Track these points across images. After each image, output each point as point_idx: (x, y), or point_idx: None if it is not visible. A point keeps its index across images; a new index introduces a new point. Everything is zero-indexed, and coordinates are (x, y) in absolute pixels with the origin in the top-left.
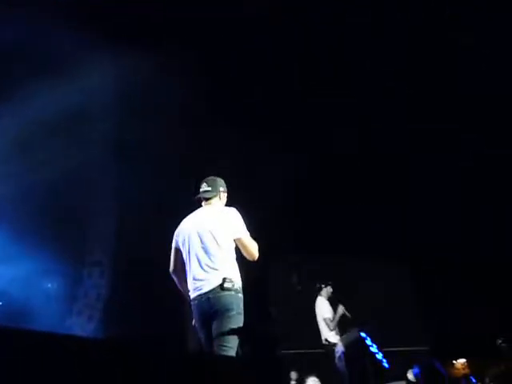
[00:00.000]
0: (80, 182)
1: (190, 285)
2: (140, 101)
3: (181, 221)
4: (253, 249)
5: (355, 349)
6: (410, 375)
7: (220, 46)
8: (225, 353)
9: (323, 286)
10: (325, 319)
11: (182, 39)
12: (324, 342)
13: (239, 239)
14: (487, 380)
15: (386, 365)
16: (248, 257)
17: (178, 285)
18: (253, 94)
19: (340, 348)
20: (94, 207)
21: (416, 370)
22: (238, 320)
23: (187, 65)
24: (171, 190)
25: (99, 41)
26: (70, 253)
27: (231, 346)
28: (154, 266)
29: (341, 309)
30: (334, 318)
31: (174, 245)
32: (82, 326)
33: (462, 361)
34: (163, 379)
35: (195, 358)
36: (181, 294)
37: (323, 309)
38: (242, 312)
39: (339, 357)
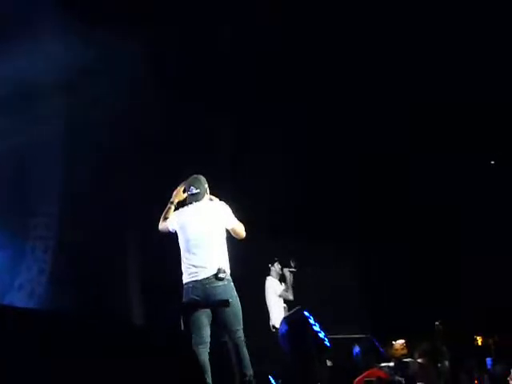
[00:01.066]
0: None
1: (186, 269)
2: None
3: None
4: (242, 231)
5: (298, 327)
6: None
7: None
8: (239, 335)
9: (270, 265)
10: (280, 295)
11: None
12: (272, 329)
13: (232, 228)
14: (416, 355)
15: (327, 343)
16: (238, 237)
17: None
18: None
19: (284, 326)
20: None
21: (356, 349)
22: (237, 304)
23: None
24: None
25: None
26: (14, 226)
27: (240, 329)
28: (98, 242)
29: (287, 273)
30: (288, 287)
31: (169, 224)
32: (23, 301)
33: (401, 341)
34: (98, 354)
35: (134, 332)
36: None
37: (275, 286)
38: (237, 296)
39: (282, 334)
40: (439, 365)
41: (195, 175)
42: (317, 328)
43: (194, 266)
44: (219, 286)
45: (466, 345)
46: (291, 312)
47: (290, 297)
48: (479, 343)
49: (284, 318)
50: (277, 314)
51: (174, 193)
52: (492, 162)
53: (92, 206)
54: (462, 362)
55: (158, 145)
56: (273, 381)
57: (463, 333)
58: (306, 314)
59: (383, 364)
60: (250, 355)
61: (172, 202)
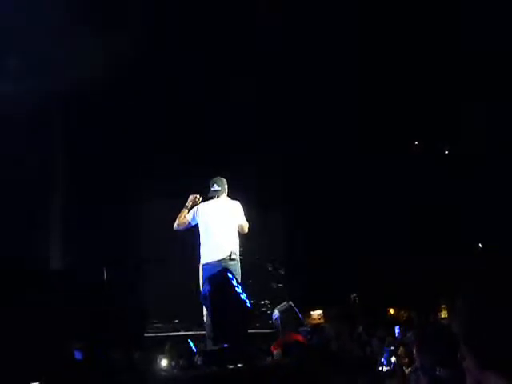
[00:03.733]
0: None
1: (205, 251)
2: None
3: None
4: (246, 228)
5: (221, 287)
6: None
7: None
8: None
9: None
10: None
11: None
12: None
13: (241, 224)
14: (332, 320)
15: (249, 305)
16: (242, 232)
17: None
18: None
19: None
20: None
21: (275, 314)
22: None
23: None
24: None
25: None
26: None
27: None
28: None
29: None
30: None
31: (191, 218)
32: None
33: (319, 312)
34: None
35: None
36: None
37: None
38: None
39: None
40: (353, 330)
41: (218, 176)
42: (239, 290)
43: (212, 249)
44: (232, 264)
45: (379, 315)
46: (215, 273)
47: None
48: (391, 314)
49: (207, 278)
50: None
51: (191, 198)
52: None
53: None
54: (374, 328)
55: None
56: (192, 344)
57: (376, 304)
58: (230, 275)
59: (301, 329)
60: None
61: (187, 206)
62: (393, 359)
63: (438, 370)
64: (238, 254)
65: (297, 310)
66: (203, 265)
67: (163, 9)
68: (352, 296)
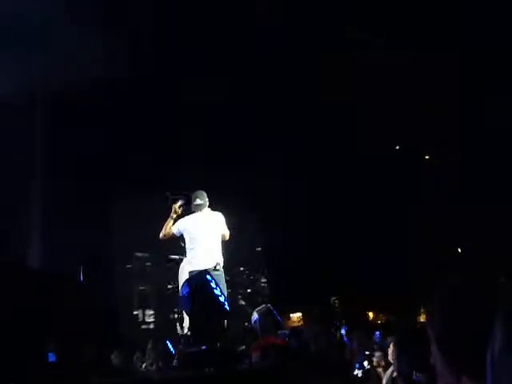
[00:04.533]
0: None
1: (190, 261)
2: None
3: None
4: (228, 236)
5: (199, 289)
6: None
7: None
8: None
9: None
10: None
11: None
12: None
13: (223, 234)
14: (311, 323)
15: (227, 307)
16: (224, 239)
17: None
18: None
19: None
20: None
21: (254, 317)
22: (225, 287)
23: None
24: None
25: None
26: None
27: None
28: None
29: None
30: None
31: (176, 230)
32: None
33: (298, 315)
34: None
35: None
36: None
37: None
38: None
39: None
40: (332, 333)
41: (200, 190)
42: (217, 292)
43: (198, 259)
44: (217, 274)
45: (358, 318)
46: (193, 275)
47: None
48: (370, 318)
49: (186, 280)
50: None
51: (173, 210)
52: None
53: None
54: (353, 331)
55: None
56: (170, 346)
57: (356, 308)
58: (209, 277)
59: (279, 332)
60: None
61: (172, 217)
62: (365, 363)
63: (414, 374)
64: (221, 264)
65: (276, 312)
66: (189, 272)
67: (163, 9)
68: (332, 299)
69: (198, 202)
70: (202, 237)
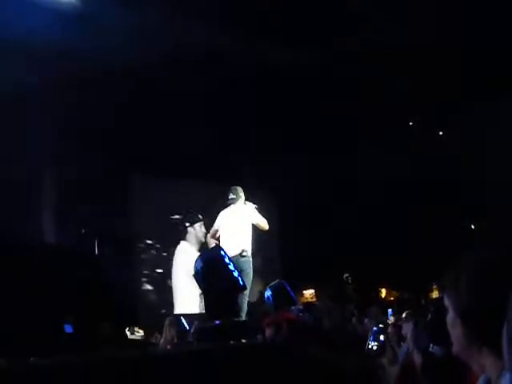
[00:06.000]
0: None
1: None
2: None
3: None
4: (265, 225)
5: (213, 265)
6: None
7: None
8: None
9: (188, 224)
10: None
11: None
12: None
13: (257, 223)
14: (324, 298)
15: (241, 283)
16: (263, 229)
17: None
18: None
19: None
20: None
21: (268, 292)
22: (251, 274)
23: None
24: None
25: None
26: None
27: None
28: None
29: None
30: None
31: (217, 225)
32: None
33: (311, 291)
34: None
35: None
36: None
37: (186, 258)
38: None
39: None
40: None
41: (234, 186)
42: (231, 267)
43: (226, 247)
44: (242, 261)
45: (371, 295)
46: (206, 250)
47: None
48: (383, 295)
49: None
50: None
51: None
52: None
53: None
54: (366, 308)
55: None
56: (184, 322)
57: (369, 284)
58: (222, 252)
59: (293, 307)
60: None
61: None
62: (381, 337)
63: (431, 346)
64: (249, 252)
65: (289, 288)
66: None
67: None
68: (344, 275)
69: (231, 196)
70: (230, 226)
